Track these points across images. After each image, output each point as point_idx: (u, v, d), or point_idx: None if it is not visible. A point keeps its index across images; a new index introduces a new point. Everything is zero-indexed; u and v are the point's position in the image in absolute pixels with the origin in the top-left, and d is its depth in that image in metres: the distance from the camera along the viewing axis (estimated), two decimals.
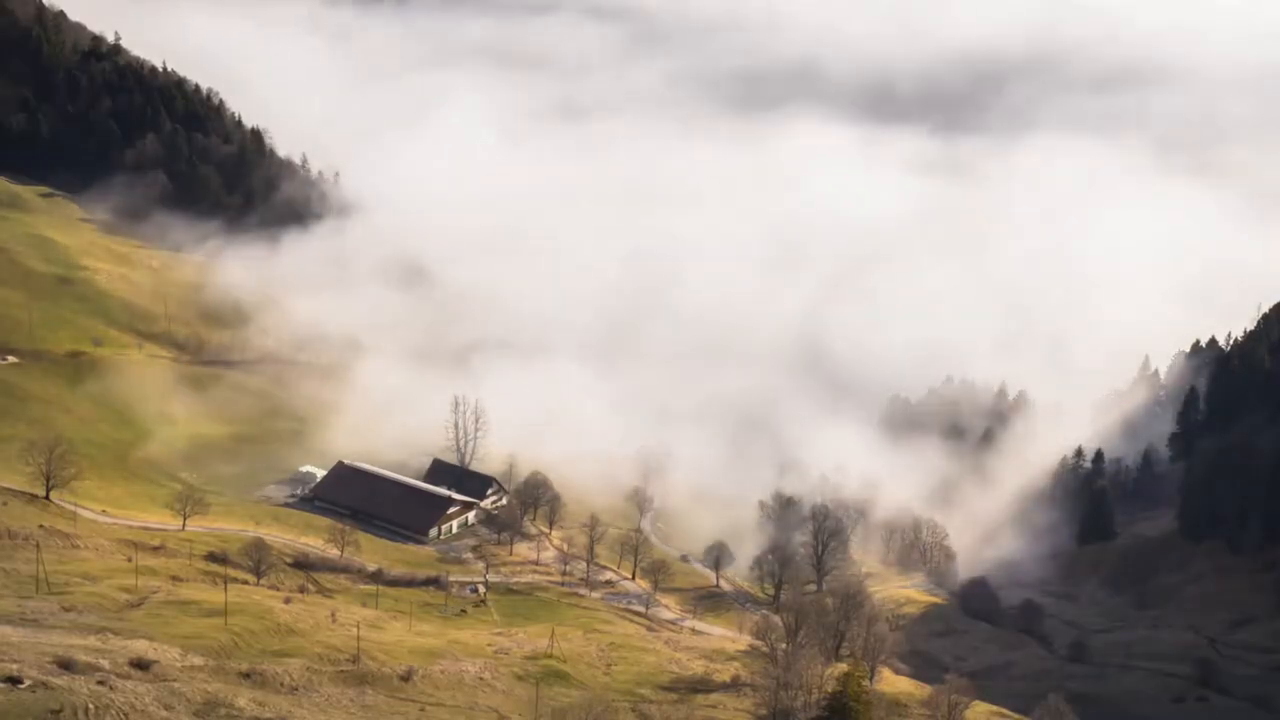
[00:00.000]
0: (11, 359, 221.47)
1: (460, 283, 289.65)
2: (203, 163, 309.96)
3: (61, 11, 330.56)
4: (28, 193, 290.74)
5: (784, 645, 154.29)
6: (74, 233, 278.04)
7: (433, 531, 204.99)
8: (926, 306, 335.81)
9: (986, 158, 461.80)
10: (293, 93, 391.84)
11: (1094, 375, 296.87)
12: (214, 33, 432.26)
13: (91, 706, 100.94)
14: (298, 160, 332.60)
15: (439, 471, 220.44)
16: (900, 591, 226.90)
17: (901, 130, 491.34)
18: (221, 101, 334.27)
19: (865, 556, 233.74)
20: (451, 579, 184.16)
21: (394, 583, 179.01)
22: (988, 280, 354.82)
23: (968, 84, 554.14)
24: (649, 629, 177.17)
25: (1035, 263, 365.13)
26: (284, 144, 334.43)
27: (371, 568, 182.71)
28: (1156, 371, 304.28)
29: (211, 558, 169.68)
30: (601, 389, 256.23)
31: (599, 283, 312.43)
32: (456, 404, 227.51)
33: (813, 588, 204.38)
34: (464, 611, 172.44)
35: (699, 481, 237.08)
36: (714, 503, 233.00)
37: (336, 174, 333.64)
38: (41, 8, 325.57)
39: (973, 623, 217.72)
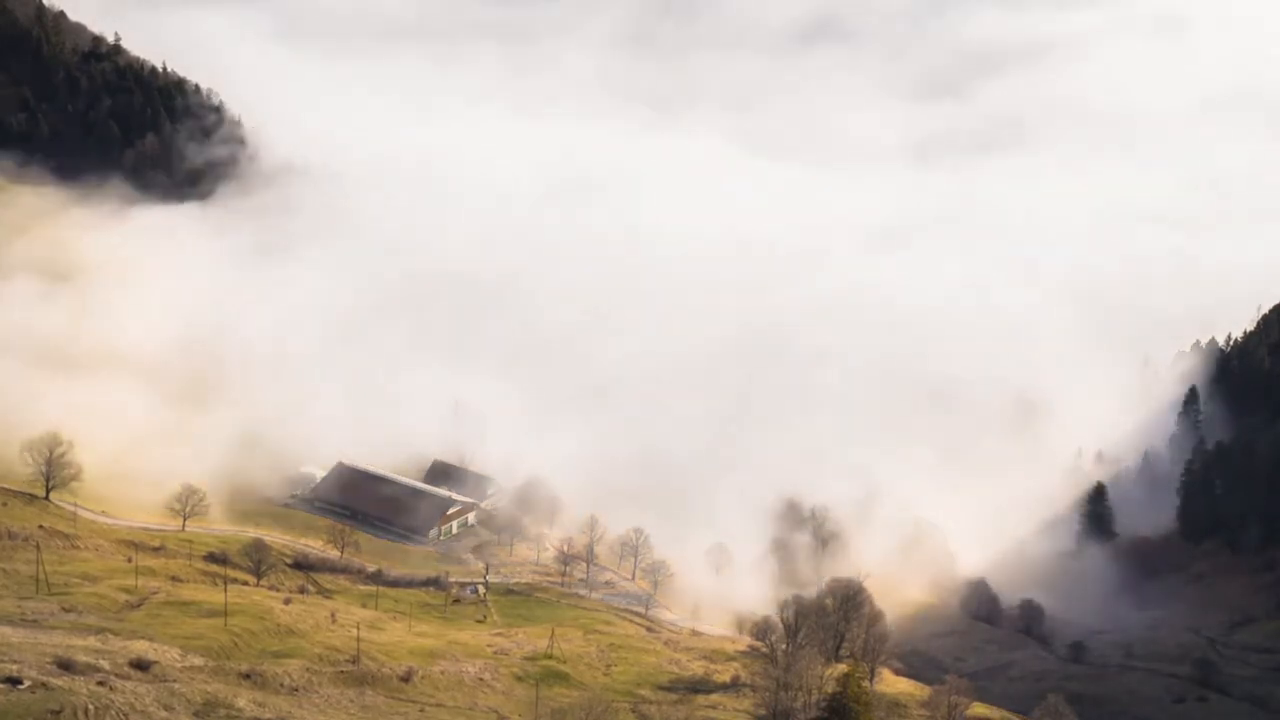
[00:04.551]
0: None
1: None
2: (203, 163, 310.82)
3: (61, 12, 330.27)
4: (27, 192, 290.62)
5: (784, 645, 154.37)
6: (71, 231, 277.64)
7: (433, 532, 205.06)
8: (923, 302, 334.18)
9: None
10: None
11: (1094, 375, 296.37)
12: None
13: (91, 707, 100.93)
14: (297, 160, 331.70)
15: (439, 472, 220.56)
16: (899, 592, 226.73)
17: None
18: (222, 102, 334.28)
19: (865, 556, 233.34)
20: (451, 579, 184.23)
21: (394, 583, 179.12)
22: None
23: None
24: (648, 629, 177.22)
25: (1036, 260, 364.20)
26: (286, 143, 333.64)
27: (371, 568, 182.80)
28: (1157, 372, 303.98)
29: (211, 558, 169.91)
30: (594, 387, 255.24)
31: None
32: (457, 405, 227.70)
33: (813, 588, 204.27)
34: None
35: (695, 480, 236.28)
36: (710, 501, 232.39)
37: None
38: (41, 8, 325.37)
39: (973, 623, 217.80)
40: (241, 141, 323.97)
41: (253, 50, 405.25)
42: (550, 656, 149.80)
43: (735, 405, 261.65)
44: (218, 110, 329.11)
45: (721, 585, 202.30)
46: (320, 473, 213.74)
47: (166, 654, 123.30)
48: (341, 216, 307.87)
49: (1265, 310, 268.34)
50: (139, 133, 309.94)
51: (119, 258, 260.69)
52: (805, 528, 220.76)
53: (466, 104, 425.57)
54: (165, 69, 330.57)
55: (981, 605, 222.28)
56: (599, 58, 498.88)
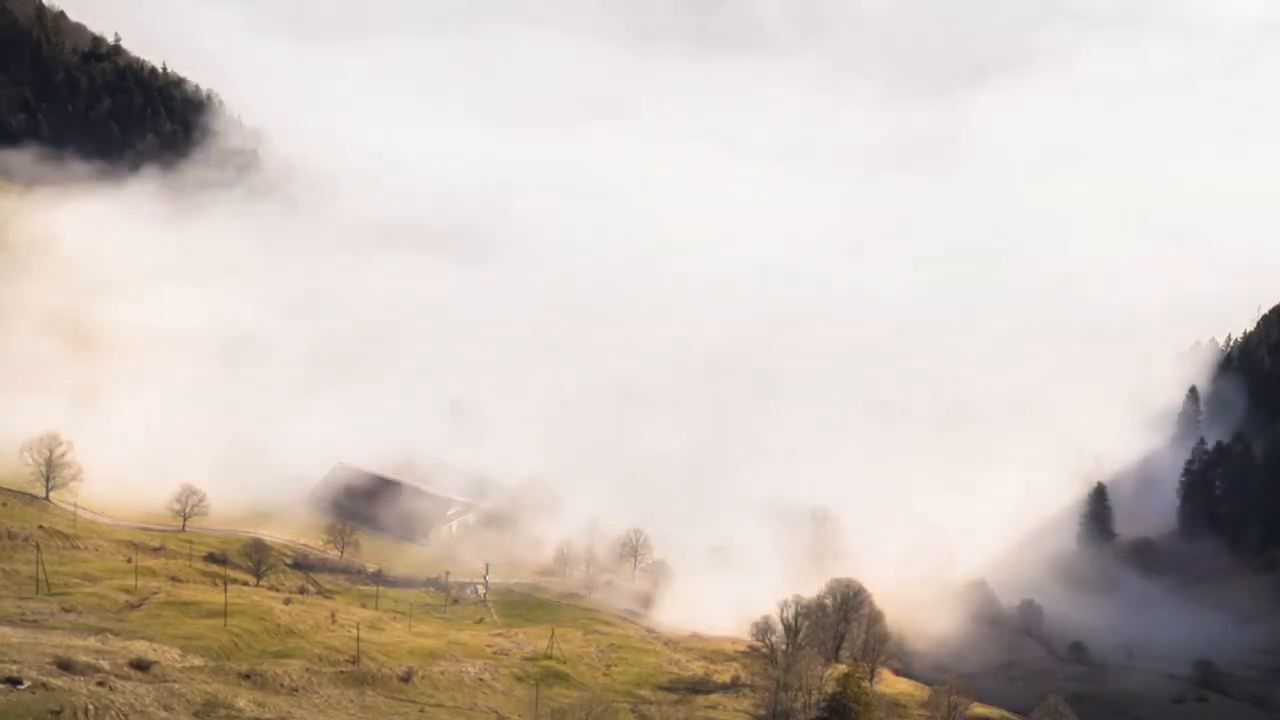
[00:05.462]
0: None
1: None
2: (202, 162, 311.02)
3: (61, 12, 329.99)
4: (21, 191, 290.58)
5: (784, 645, 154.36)
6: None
7: (433, 532, 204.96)
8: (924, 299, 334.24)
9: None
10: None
11: (1094, 375, 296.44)
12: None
13: (91, 707, 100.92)
14: (299, 158, 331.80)
15: (439, 472, 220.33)
16: (899, 592, 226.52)
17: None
18: (222, 102, 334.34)
19: (865, 557, 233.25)
20: (451, 579, 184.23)
21: (394, 583, 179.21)
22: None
23: None
24: (648, 629, 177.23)
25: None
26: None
27: (371, 568, 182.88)
28: (1157, 372, 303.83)
29: (211, 558, 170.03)
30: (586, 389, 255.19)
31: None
32: (457, 406, 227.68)
33: (813, 588, 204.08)
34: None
35: (695, 480, 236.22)
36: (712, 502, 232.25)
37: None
38: (41, 8, 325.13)
39: (973, 623, 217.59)
40: (244, 142, 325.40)
41: (244, 46, 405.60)
42: (550, 657, 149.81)
43: (735, 406, 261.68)
44: (218, 110, 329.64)
45: (721, 586, 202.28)
46: (320, 473, 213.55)
47: (166, 654, 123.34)
48: (338, 217, 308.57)
49: (1265, 310, 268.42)
50: (139, 133, 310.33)
51: (115, 252, 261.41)
52: (805, 528, 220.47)
53: (461, 103, 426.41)
54: (165, 69, 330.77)
55: (982, 606, 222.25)
56: (590, 57, 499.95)
